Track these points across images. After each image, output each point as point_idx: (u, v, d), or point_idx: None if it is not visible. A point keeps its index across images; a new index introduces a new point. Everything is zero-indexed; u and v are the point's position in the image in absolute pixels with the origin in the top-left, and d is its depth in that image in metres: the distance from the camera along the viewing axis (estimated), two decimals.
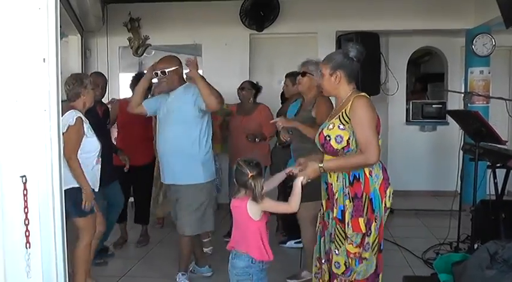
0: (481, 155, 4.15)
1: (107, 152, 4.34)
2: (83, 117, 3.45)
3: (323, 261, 2.99)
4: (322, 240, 3.00)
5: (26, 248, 2.06)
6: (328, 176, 2.87)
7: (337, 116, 2.77)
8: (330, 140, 2.75)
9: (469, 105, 5.18)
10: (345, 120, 2.72)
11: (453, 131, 6.94)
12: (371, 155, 2.64)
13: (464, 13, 6.50)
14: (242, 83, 5.21)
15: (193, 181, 3.75)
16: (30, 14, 2.02)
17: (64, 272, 2.19)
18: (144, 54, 7.06)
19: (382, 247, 2.84)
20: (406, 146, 7.30)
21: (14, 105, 2.04)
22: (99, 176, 3.60)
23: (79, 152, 3.40)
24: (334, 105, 3.72)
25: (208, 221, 3.88)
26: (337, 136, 2.73)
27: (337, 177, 2.80)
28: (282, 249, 4.78)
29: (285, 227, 5.16)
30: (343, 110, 2.74)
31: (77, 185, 3.35)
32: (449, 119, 6.81)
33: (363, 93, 2.80)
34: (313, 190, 3.01)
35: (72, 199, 3.27)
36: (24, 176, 2.04)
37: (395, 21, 6.58)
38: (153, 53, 7.18)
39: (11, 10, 2.01)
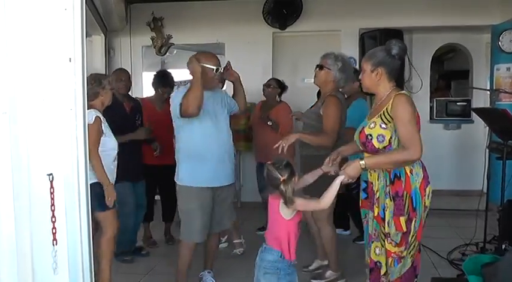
0: (509, 154, 4.06)
1: (136, 149, 4.38)
2: (101, 117, 3.52)
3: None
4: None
5: (53, 245, 2.09)
6: (369, 174, 2.85)
7: (378, 114, 2.74)
8: (371, 139, 2.73)
9: (496, 103, 5.08)
10: (387, 119, 2.69)
11: (478, 129, 6.82)
12: (414, 150, 2.60)
13: (489, 8, 6.38)
14: (269, 80, 5.20)
15: (234, 179, 3.93)
16: (56, 14, 2.04)
17: (90, 268, 2.22)
18: (167, 53, 7.11)
19: (420, 247, 2.81)
20: (429, 145, 6.99)
21: (40, 104, 2.07)
22: (115, 175, 3.66)
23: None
24: (342, 107, 3.70)
25: (234, 213, 4.04)
26: (378, 135, 2.71)
27: (378, 175, 2.78)
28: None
29: None
30: (385, 109, 2.71)
31: (95, 180, 3.38)
32: (474, 117, 6.69)
33: (403, 91, 2.78)
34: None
35: (91, 194, 3.31)
36: (51, 174, 2.07)
37: (418, 17, 6.50)
38: (175, 52, 7.22)
39: (38, 11, 2.03)
